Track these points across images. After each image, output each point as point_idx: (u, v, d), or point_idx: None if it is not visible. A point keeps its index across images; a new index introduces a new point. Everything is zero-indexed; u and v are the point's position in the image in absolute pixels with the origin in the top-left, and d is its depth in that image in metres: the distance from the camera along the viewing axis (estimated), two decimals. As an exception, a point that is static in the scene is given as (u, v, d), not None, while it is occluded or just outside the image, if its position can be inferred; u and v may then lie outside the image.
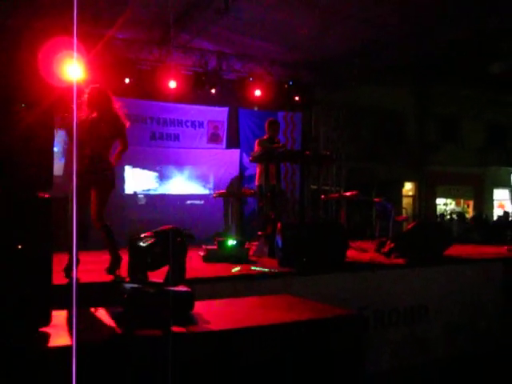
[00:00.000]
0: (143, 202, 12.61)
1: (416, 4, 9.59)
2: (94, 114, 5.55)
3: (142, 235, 3.23)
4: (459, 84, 21.43)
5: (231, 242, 6.91)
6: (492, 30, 10.70)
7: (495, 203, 26.82)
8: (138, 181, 12.55)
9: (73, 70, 8.87)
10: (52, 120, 2.59)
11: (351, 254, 7.27)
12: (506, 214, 23.94)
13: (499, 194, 27.04)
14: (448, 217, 24.03)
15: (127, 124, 5.73)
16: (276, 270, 5.77)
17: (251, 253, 7.18)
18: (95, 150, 5.42)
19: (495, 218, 24.61)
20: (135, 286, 2.95)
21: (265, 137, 8.67)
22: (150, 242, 3.08)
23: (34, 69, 2.65)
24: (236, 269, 5.78)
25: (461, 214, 23.08)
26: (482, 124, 24.93)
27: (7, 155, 2.34)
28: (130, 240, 3.31)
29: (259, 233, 7.76)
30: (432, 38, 10.82)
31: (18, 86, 2.58)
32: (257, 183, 8.62)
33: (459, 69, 19.30)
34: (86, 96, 5.58)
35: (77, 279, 4.96)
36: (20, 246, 2.32)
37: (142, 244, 3.10)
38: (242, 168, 13.37)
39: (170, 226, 3.25)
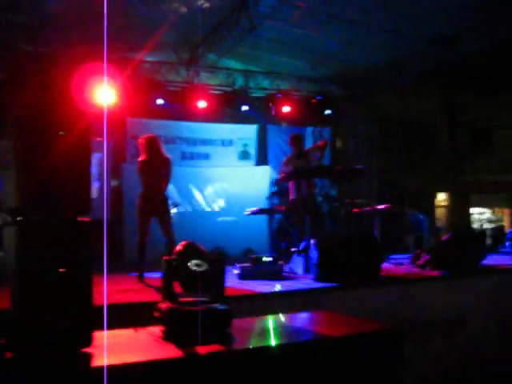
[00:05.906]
0: (174, 220, 12.66)
1: (443, 13, 9.55)
2: (147, 158, 7.03)
3: (176, 254, 3.27)
4: (488, 91, 21.16)
5: (265, 259, 6.91)
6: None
7: (532, 211, 26.31)
8: (169, 200, 12.65)
9: (104, 94, 9.08)
10: (89, 144, 2.66)
11: (386, 267, 7.21)
12: None
13: (535, 201, 26.56)
14: (486, 226, 23.56)
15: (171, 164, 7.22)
16: (311, 286, 5.76)
17: (286, 269, 7.17)
18: (150, 186, 7.08)
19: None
20: (173, 304, 2.98)
21: (294, 154, 8.57)
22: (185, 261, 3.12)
23: (68, 95, 2.72)
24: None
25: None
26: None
27: (49, 181, 2.41)
28: (164, 259, 3.33)
29: (293, 249, 7.74)
30: (460, 46, 10.72)
31: (54, 112, 2.66)
32: (290, 197, 8.55)
33: (487, 76, 19.10)
34: (139, 144, 7.15)
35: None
36: (63, 270, 2.38)
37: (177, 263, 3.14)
38: (271, 184, 13.43)
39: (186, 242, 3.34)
